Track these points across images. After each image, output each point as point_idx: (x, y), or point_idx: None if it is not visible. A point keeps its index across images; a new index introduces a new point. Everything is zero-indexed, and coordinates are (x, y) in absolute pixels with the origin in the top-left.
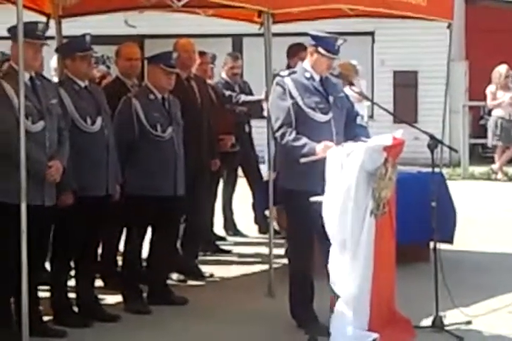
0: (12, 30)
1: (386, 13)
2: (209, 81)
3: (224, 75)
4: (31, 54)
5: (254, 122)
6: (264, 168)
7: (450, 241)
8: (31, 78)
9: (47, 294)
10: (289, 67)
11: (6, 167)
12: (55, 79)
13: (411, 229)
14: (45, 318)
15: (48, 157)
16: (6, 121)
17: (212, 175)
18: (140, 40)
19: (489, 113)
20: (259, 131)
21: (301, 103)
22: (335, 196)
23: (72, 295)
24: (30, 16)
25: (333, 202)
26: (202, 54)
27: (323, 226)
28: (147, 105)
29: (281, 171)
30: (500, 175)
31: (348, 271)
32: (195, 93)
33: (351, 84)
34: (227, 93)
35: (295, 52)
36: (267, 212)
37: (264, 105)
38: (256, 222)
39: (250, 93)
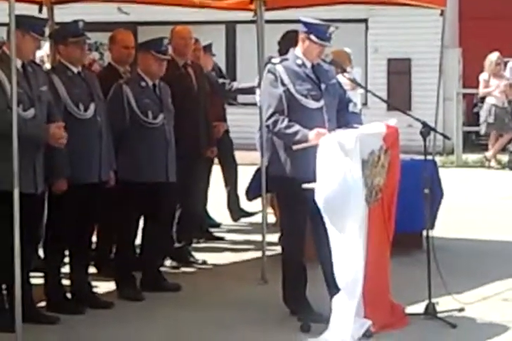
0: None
1: (380, 0)
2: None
3: None
4: (31, 47)
5: (245, 109)
6: (256, 155)
7: (431, 227)
8: (23, 65)
9: (41, 281)
10: (281, 53)
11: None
12: (47, 66)
13: (404, 217)
14: (39, 305)
15: None
16: None
17: (206, 162)
18: (133, 27)
19: (483, 100)
20: (250, 118)
21: (292, 90)
22: (328, 183)
23: (65, 281)
24: (22, 4)
25: (326, 190)
26: (195, 41)
27: (316, 214)
28: (138, 92)
29: (272, 158)
30: (493, 163)
31: (342, 258)
32: (192, 80)
33: (344, 71)
34: (221, 80)
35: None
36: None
37: (257, 92)
38: (229, 208)
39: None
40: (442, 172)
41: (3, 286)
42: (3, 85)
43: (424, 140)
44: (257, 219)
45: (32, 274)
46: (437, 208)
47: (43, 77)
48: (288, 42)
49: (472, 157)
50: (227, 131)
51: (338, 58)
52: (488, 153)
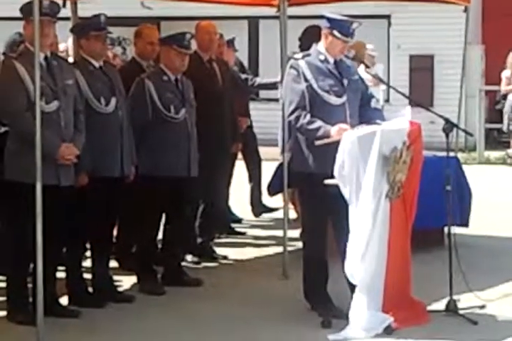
0: (24, 9)
1: None
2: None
3: None
4: (46, 33)
5: (267, 104)
6: (277, 150)
7: (466, 224)
8: (46, 58)
9: (62, 274)
10: (302, 49)
11: (19, 146)
12: (71, 60)
13: (427, 214)
14: (60, 298)
15: (64, 137)
16: (18, 101)
17: (230, 157)
18: (156, 22)
19: (505, 97)
20: (272, 113)
21: (315, 86)
22: (350, 179)
23: (87, 275)
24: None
25: (348, 185)
26: (219, 36)
27: (337, 209)
28: (161, 86)
29: (294, 154)
30: None
31: (363, 253)
32: (217, 75)
33: (367, 67)
34: (243, 76)
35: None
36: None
37: (280, 87)
38: (251, 204)
39: None
40: (464, 169)
41: (29, 279)
42: (24, 82)
43: (447, 136)
44: (279, 214)
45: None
46: (469, 205)
47: (69, 71)
48: (309, 37)
49: (494, 154)
50: (250, 126)
51: (357, 49)
52: (510, 150)
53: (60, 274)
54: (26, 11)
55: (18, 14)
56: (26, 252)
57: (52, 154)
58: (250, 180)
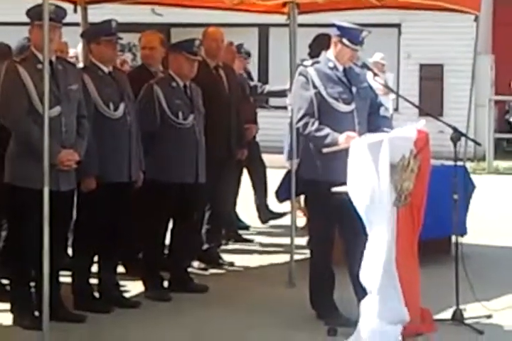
0: (31, 13)
1: (414, 4)
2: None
3: None
4: (51, 38)
5: (274, 112)
6: (283, 158)
7: (464, 233)
8: (51, 63)
9: (69, 279)
10: (312, 56)
11: (20, 151)
12: (80, 65)
13: (434, 223)
14: (66, 303)
15: (64, 142)
16: (18, 106)
17: (237, 163)
18: (166, 28)
19: None
20: (280, 121)
21: (324, 93)
22: (358, 187)
23: (93, 281)
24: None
25: (356, 193)
26: (230, 44)
27: (344, 217)
28: (169, 92)
29: (303, 161)
30: None
31: (372, 261)
32: (224, 82)
33: (375, 75)
34: (252, 83)
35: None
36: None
37: (288, 95)
38: (257, 210)
39: None
40: (472, 179)
41: (32, 284)
42: (26, 86)
43: (455, 145)
44: (286, 222)
45: (61, 273)
46: (465, 216)
47: (75, 76)
48: (318, 45)
49: (503, 164)
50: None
51: None
52: None
53: (66, 279)
54: (33, 15)
55: (26, 19)
56: (30, 256)
57: (51, 160)
58: (254, 187)
